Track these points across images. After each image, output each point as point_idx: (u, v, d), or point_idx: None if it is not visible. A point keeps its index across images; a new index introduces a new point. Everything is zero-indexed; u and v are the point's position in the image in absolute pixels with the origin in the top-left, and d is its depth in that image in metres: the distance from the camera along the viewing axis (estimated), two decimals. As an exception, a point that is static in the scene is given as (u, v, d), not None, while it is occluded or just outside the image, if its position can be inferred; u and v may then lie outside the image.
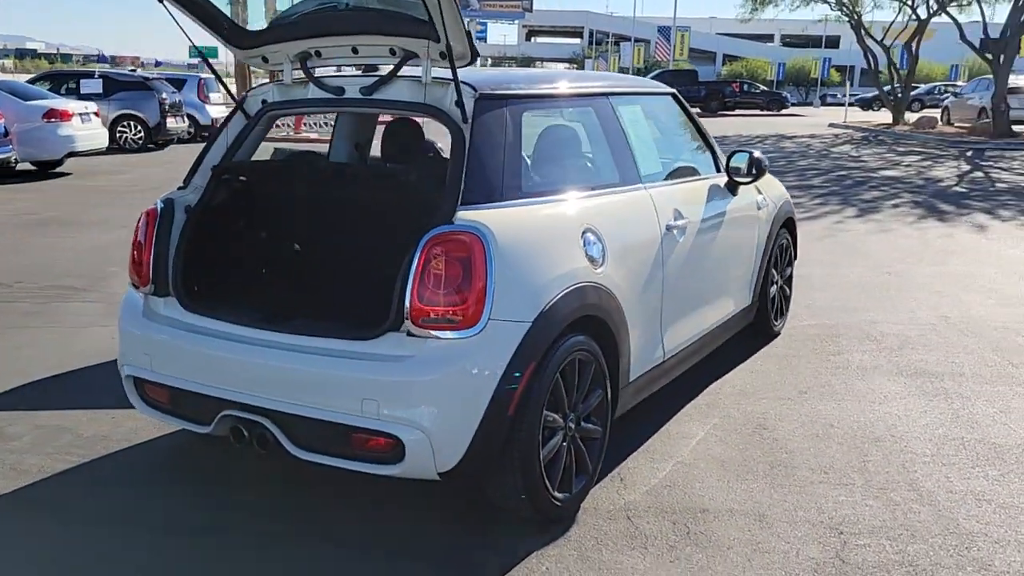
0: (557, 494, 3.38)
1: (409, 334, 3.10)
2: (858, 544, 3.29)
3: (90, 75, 20.35)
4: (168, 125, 20.06)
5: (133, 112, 19.62)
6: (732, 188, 4.97)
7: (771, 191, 5.58)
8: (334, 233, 3.96)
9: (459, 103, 3.32)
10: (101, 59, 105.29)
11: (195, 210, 3.76)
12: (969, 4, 28.66)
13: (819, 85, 64.38)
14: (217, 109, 23.86)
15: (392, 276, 3.22)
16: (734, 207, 4.92)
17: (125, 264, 8.25)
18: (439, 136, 4.79)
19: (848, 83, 45.18)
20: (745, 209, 5.08)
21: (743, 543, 3.30)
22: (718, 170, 5.00)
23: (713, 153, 5.01)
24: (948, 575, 3.09)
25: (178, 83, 22.33)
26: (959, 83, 52.74)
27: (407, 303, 3.08)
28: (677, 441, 4.21)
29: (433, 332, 3.06)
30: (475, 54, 3.35)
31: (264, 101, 3.89)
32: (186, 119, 21.18)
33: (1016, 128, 24.22)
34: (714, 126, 27.92)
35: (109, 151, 17.55)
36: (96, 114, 16.09)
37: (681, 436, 4.27)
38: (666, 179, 4.39)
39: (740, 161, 4.88)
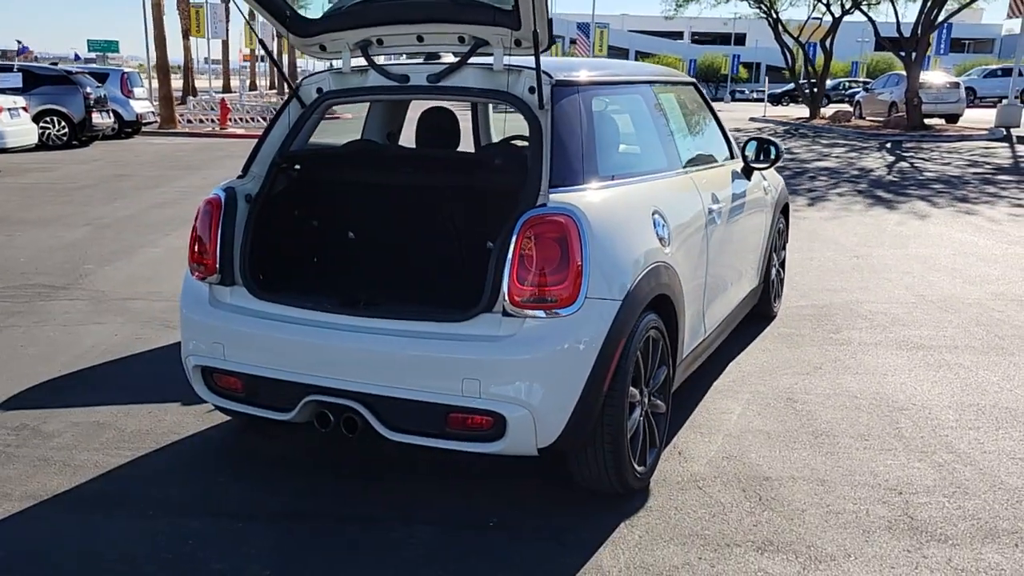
0: (638, 467, 3.52)
1: (505, 314, 3.19)
2: (919, 502, 3.52)
3: (8, 68, 19.56)
4: (93, 121, 19.42)
5: (56, 107, 18.91)
6: (748, 173, 5.19)
7: (772, 178, 5.83)
8: (403, 220, 4.01)
9: (537, 90, 3.42)
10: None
11: (258, 199, 3.76)
12: (878, 3, 29.87)
13: (728, 81, 66.18)
14: (141, 104, 23.18)
15: (479, 260, 3.29)
16: (750, 191, 5.14)
17: (102, 261, 8.14)
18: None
19: (757, 79, 46.52)
20: (758, 193, 5.31)
21: (815, 506, 3.49)
22: (732, 156, 5.20)
23: (727, 139, 5.21)
24: (1009, 525, 3.35)
25: (100, 77, 21.63)
26: (860, 79, 54.96)
27: (505, 285, 3.17)
28: (719, 416, 4.39)
29: (531, 312, 3.15)
30: (552, 41, 3.45)
31: (320, 90, 3.90)
32: (111, 115, 20.53)
33: (927, 121, 25.41)
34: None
35: (31, 148, 16.93)
36: (25, 109, 15.51)
37: (720, 411, 4.45)
38: (697, 164, 4.57)
39: (757, 148, 5.10)
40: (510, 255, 3.18)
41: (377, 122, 4.87)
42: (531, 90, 3.46)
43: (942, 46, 42.15)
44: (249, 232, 3.71)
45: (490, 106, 5.84)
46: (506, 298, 3.17)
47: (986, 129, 24.06)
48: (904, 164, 16.90)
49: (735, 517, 3.41)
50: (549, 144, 3.36)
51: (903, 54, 24.95)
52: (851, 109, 31.12)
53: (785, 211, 6.10)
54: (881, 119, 27.67)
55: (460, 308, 3.29)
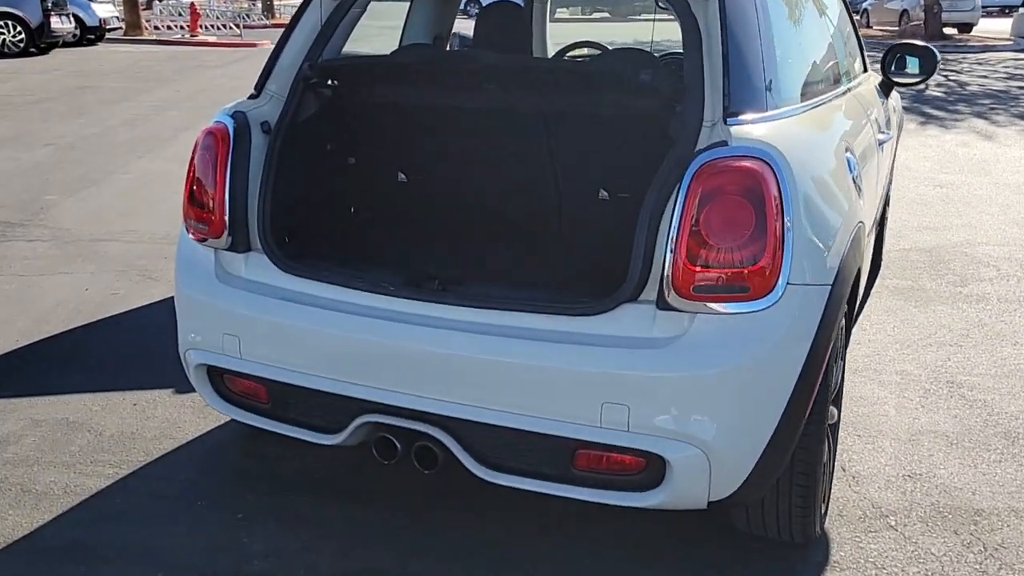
0: (823, 507, 2.56)
1: (662, 306, 2.16)
2: None
3: (-44, -33, 17.76)
4: (52, 26, 17.77)
5: (11, 10, 17.22)
6: (886, 90, 4.11)
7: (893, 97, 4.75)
8: (481, 159, 2.91)
9: None
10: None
11: (280, 129, 2.66)
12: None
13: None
14: (104, 8, 21.43)
15: (619, 223, 2.26)
16: (891, 112, 4.09)
17: (66, 190, 6.96)
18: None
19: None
20: (896, 117, 4.25)
21: (1064, 560, 2.55)
22: (865, 67, 4.11)
23: (860, 44, 4.12)
24: None
25: (58, -23, 19.81)
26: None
27: (666, 264, 2.12)
28: (871, 410, 3.42)
29: (707, 305, 2.12)
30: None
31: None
32: (72, 19, 18.85)
33: (947, 31, 24.11)
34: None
35: (-16, 55, 15.42)
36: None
37: (870, 403, 3.47)
38: (852, 78, 3.49)
39: (908, 59, 3.99)
40: (675, 220, 2.13)
41: (421, 22, 3.71)
42: None
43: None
44: (270, 176, 2.62)
45: (548, 4, 4.67)
46: (669, 284, 2.13)
47: (1009, 39, 22.83)
48: (939, 77, 15.75)
49: (961, 579, 2.46)
50: (721, 50, 2.28)
51: (921, -42, 23.46)
52: (858, 18, 29.67)
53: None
54: (892, 29, 26.31)
55: (593, 296, 2.26)
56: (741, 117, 2.23)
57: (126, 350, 3.90)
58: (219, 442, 3.16)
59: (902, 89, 4.43)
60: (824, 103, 2.71)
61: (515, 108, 2.73)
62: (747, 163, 2.11)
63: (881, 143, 3.30)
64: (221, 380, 2.66)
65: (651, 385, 2.12)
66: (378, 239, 2.90)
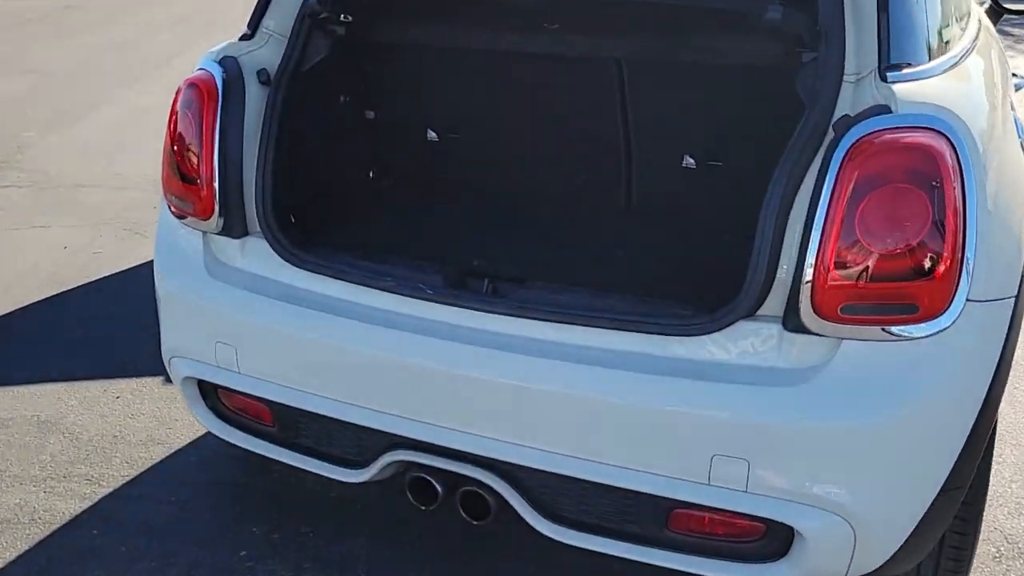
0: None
1: (794, 328, 1.62)
2: None
3: None
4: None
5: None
6: (994, 20, 3.48)
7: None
8: (562, 119, 2.32)
9: None
10: None
11: (282, 79, 2.09)
12: None
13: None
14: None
15: (718, 204, 1.72)
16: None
17: (47, 127, 6.35)
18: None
19: None
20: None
21: None
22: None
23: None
24: None
25: None
26: None
27: (803, 273, 1.58)
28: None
29: (858, 328, 1.58)
30: None
31: None
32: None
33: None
34: None
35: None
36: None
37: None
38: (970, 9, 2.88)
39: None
40: (819, 214, 1.57)
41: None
42: None
43: None
44: (270, 139, 2.06)
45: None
46: (807, 301, 1.59)
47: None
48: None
49: None
50: None
51: None
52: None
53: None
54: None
55: (685, 305, 1.73)
56: (905, 71, 1.66)
57: (108, 325, 3.37)
58: (217, 450, 2.66)
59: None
60: (974, 49, 2.12)
61: (583, 54, 2.14)
62: (922, 137, 1.55)
63: (1019, 89, 2.72)
64: (216, 394, 2.15)
65: (779, 435, 1.61)
66: (407, 219, 2.34)
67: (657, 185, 2.29)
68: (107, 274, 3.81)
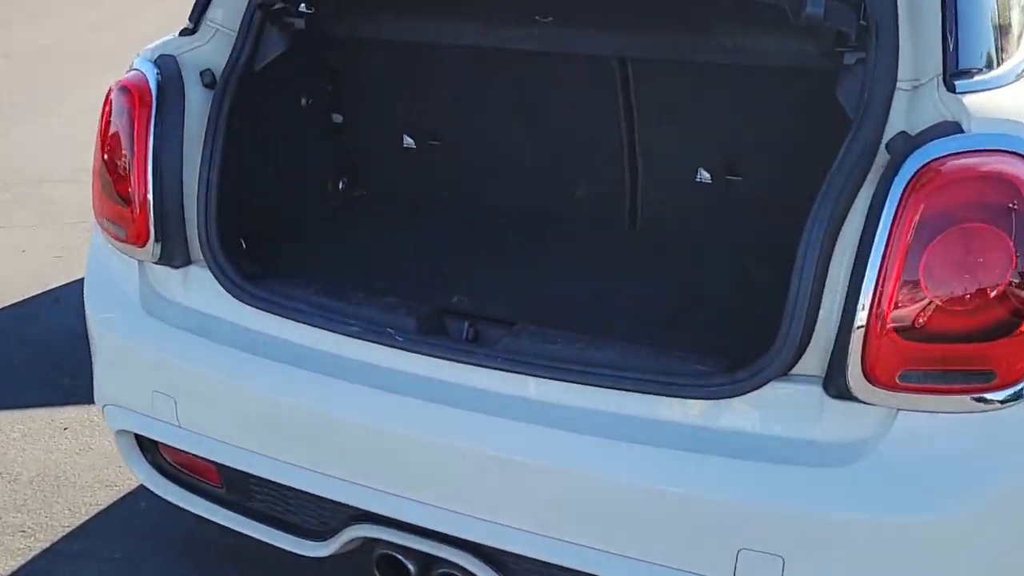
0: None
1: (838, 394, 1.33)
2: None
3: None
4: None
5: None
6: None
7: None
8: (559, 129, 2.00)
9: None
10: None
11: (230, 80, 1.78)
12: None
13: None
14: None
15: (746, 231, 1.44)
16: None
17: (17, 114, 6.03)
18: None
19: None
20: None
21: None
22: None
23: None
24: None
25: None
26: None
27: (858, 329, 1.28)
28: None
29: (926, 397, 1.29)
30: None
31: None
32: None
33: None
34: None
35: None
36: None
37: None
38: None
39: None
40: (874, 258, 1.27)
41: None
42: None
43: None
44: (215, 150, 1.75)
45: None
46: (856, 365, 1.29)
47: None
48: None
49: None
50: None
51: None
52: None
53: None
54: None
55: (703, 357, 1.45)
56: (976, 78, 1.35)
57: (62, 342, 3.07)
58: (171, 493, 2.37)
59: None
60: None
61: (581, 51, 1.83)
62: (1004, 164, 1.24)
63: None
64: (157, 446, 1.86)
65: (822, 528, 1.31)
66: (378, 244, 2.03)
67: (666, 203, 1.98)
68: (66, 282, 3.50)
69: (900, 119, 1.37)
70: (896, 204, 1.26)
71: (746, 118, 1.82)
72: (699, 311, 1.71)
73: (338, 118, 2.15)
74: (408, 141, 2.18)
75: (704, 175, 1.93)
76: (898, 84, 1.39)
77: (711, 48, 1.73)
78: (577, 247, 1.96)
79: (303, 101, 2.02)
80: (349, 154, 2.21)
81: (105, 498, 2.35)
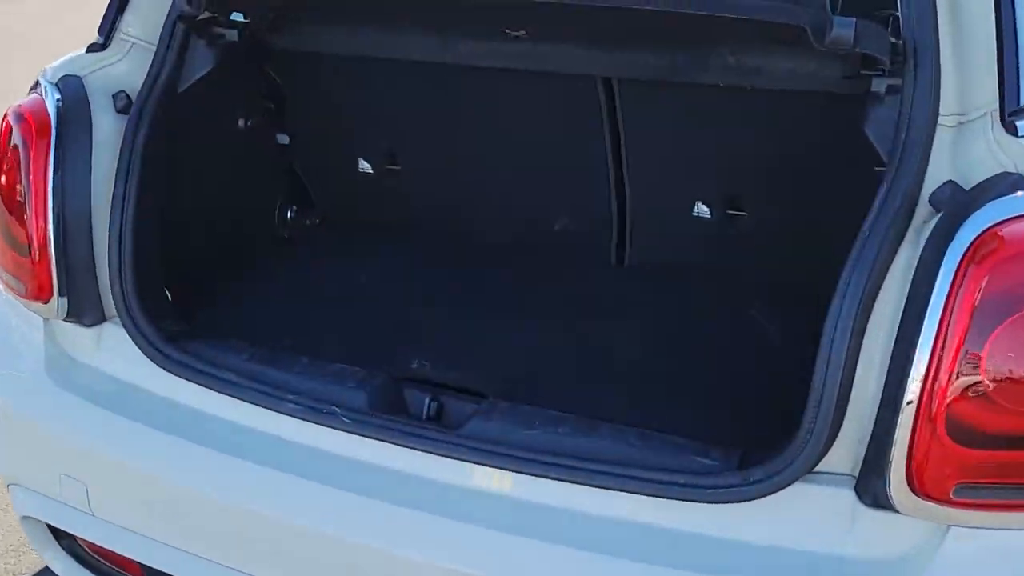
0: None
1: (874, 502, 1.09)
2: None
3: None
4: None
5: None
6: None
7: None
8: (535, 155, 1.73)
9: None
10: None
11: (148, 103, 1.50)
12: None
13: None
14: None
15: (751, 274, 1.23)
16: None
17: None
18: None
19: None
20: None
21: None
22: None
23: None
24: None
25: None
26: None
27: (903, 430, 1.04)
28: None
29: (984, 514, 1.05)
30: None
31: None
32: None
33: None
34: None
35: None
36: None
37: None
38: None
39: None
40: (925, 343, 1.03)
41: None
42: None
43: None
44: (130, 186, 1.48)
45: None
46: (900, 473, 1.05)
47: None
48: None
49: None
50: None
51: None
52: None
53: None
54: None
55: (703, 448, 1.21)
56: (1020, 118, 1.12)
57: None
58: None
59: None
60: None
61: (560, 70, 1.57)
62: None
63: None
64: (73, 541, 1.60)
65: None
66: (326, 294, 1.75)
67: (659, 238, 1.73)
68: None
69: (944, 163, 1.13)
70: (952, 277, 1.01)
71: (750, 147, 1.57)
72: (700, 375, 1.46)
73: (284, 139, 1.88)
74: (364, 165, 1.91)
75: (702, 209, 1.68)
76: (940, 119, 1.15)
77: (710, 68, 1.47)
78: (558, 288, 1.71)
79: (240, 123, 1.75)
80: (298, 178, 1.95)
81: None
